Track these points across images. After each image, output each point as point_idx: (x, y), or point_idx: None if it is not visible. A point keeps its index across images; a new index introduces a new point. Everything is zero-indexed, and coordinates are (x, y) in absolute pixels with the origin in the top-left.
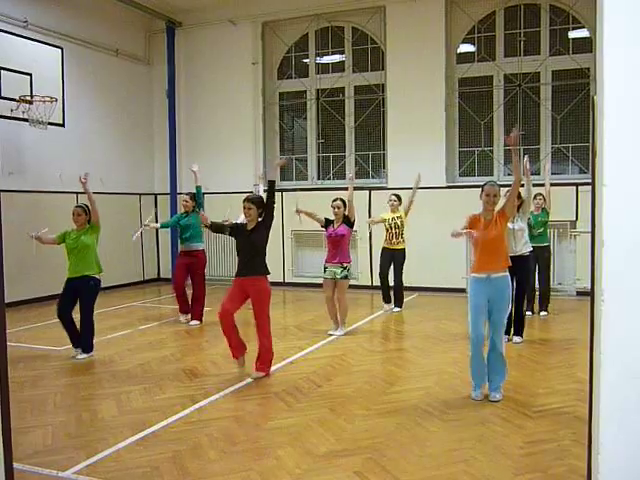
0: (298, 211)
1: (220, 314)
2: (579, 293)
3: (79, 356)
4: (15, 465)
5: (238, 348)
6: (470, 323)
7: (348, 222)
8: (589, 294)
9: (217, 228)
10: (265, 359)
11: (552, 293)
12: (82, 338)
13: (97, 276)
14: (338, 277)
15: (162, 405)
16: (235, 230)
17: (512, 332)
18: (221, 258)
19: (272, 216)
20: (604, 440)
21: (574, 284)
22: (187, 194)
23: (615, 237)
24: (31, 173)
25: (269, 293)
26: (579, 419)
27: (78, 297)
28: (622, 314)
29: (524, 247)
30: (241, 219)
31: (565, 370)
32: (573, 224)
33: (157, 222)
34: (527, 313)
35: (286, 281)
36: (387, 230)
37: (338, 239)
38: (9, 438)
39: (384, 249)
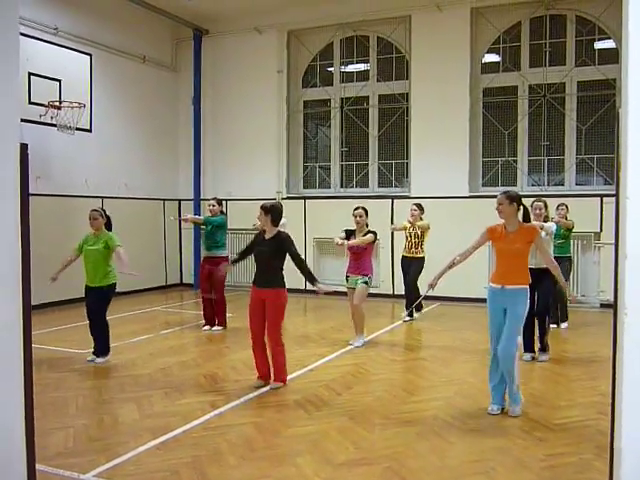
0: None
1: (251, 337)
2: (603, 305)
3: (97, 360)
4: (37, 466)
5: (261, 373)
6: (489, 335)
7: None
8: (612, 306)
9: (243, 254)
10: (279, 369)
11: (576, 305)
12: (96, 343)
13: (109, 284)
14: (358, 283)
15: (182, 410)
16: (255, 240)
17: (537, 350)
18: (244, 265)
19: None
20: (626, 453)
21: (597, 296)
22: (213, 199)
23: (639, 250)
24: (57, 177)
25: (284, 305)
26: (601, 432)
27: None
28: None
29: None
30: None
31: (587, 383)
32: (597, 235)
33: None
34: (552, 326)
35: (307, 288)
36: (407, 238)
37: (360, 251)
38: (32, 439)
39: (403, 257)
